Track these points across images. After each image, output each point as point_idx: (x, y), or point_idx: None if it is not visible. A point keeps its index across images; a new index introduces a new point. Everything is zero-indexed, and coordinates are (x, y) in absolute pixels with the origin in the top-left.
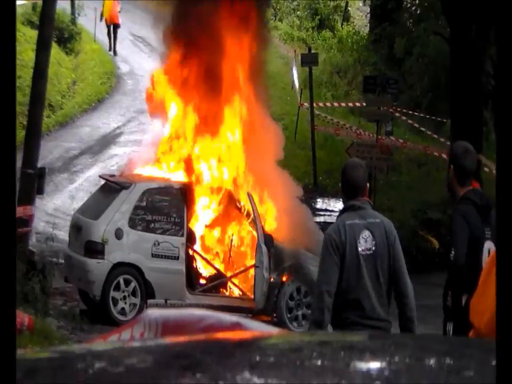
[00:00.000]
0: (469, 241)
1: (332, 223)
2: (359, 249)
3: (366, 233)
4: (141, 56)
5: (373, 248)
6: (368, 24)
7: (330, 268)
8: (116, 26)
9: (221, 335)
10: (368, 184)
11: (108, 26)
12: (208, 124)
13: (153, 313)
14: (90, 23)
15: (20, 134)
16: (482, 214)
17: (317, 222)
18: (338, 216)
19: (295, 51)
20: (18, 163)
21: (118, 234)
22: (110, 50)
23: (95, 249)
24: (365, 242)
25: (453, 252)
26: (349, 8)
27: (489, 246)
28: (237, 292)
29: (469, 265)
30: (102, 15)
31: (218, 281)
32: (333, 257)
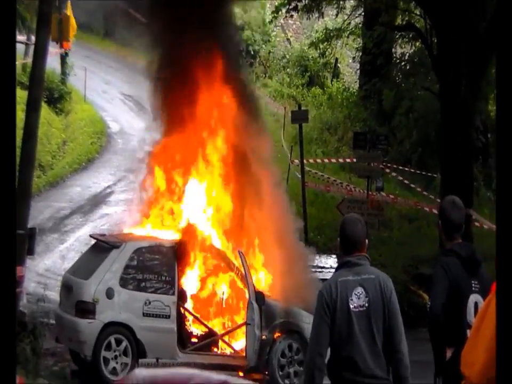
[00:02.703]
0: (450, 293)
1: (323, 279)
2: (351, 306)
3: (358, 290)
4: (131, 115)
5: (366, 304)
6: (358, 80)
7: (321, 329)
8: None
9: None
10: (367, 240)
11: (63, 54)
12: (199, 181)
13: (141, 373)
14: (80, 83)
15: None
16: (468, 267)
17: None
18: (334, 272)
19: (285, 108)
20: None
21: (109, 293)
22: (64, 76)
23: (86, 309)
24: (357, 299)
25: (429, 303)
26: (339, 65)
27: (475, 299)
28: (228, 350)
29: (451, 317)
30: (61, 38)
31: (209, 340)
32: (324, 317)
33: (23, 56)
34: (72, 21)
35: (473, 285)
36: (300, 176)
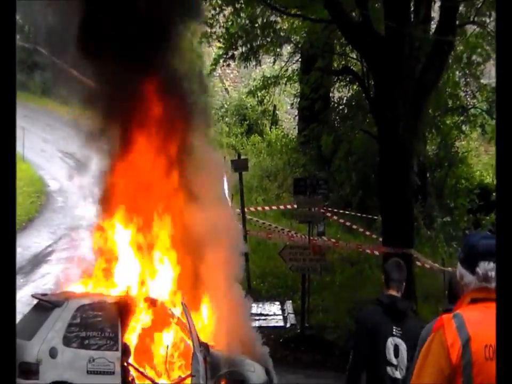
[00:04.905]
0: (369, 335)
1: (267, 327)
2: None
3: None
4: (70, 173)
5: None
6: (297, 126)
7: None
8: None
9: None
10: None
11: None
12: (141, 236)
13: None
14: (18, 142)
15: None
16: (390, 314)
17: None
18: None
19: (224, 157)
20: None
21: (53, 353)
22: None
23: (29, 370)
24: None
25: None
26: (277, 112)
27: (396, 342)
28: None
29: (373, 355)
30: None
31: None
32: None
33: None
34: None
35: (394, 329)
36: (241, 225)
